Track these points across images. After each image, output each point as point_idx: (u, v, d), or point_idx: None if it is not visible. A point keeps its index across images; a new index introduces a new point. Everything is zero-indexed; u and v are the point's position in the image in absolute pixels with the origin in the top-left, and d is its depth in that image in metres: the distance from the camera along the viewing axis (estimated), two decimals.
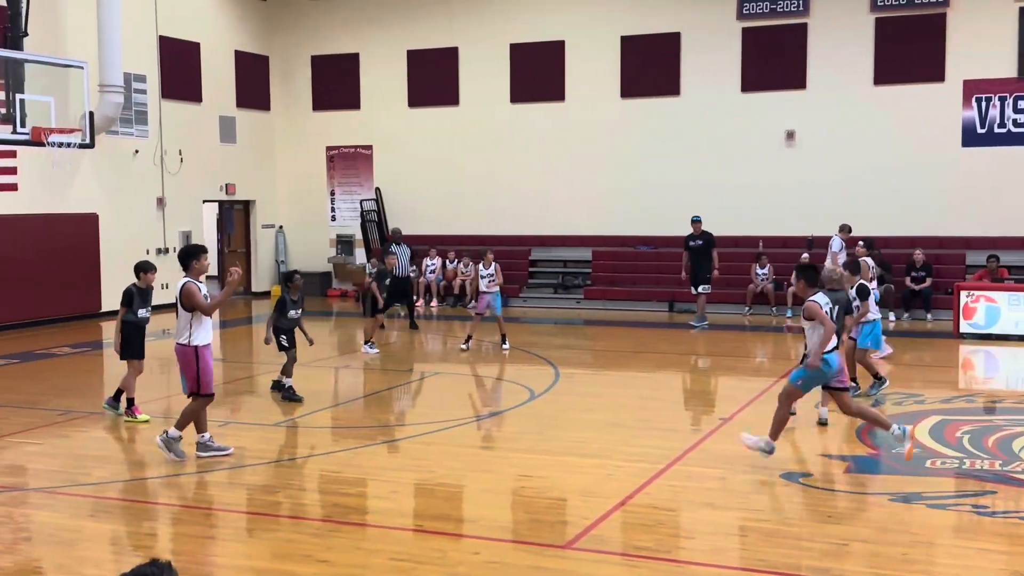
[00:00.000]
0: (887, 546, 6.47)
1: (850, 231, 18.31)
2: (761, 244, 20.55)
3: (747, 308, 19.80)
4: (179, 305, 8.56)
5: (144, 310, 10.55)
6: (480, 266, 15.94)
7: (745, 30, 21.15)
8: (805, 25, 20.74)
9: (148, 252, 21.10)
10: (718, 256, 18.36)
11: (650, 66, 21.83)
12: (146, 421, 10.30)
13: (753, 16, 21.03)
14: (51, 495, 8.00)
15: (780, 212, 20.89)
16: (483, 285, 15.64)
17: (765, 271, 19.77)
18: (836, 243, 18.24)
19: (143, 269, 10.62)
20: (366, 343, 15.29)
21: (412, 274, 18.75)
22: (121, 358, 10.52)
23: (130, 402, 10.48)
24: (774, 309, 19.58)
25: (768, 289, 19.62)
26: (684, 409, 11.95)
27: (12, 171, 17.69)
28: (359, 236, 24.28)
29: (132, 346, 10.45)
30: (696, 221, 18.33)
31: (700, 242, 18.17)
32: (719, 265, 18.37)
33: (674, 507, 7.59)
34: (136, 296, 10.49)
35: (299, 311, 11.80)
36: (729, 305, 20.15)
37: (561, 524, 7.27)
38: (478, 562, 6.39)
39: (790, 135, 20.97)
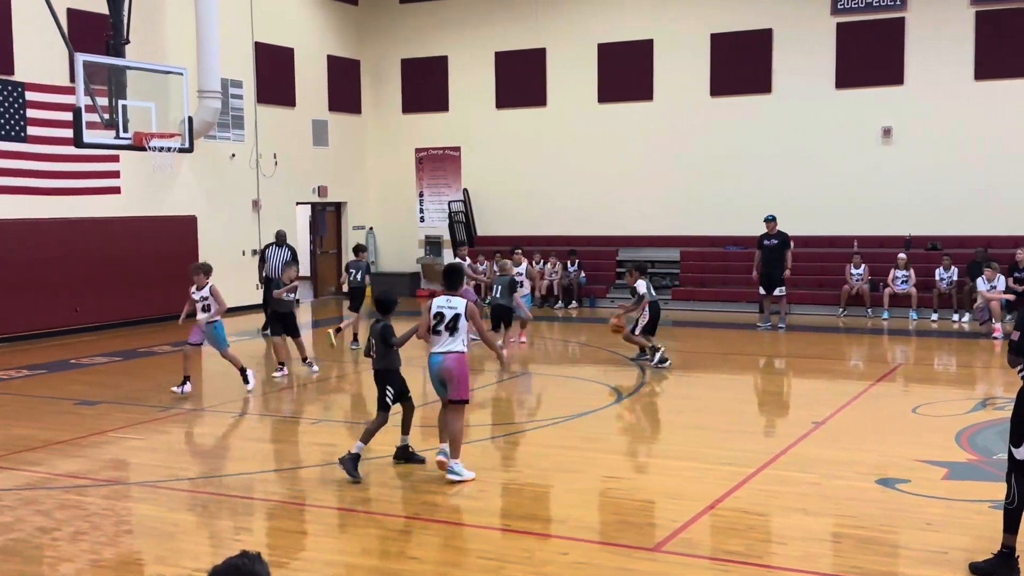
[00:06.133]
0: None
1: None
2: (856, 244, 20.09)
3: (841, 309, 19.37)
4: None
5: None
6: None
7: (840, 25, 20.70)
8: (902, 19, 20.20)
9: (244, 253, 21.68)
10: (792, 256, 17.92)
11: (741, 64, 21.54)
12: None
13: (848, 11, 20.57)
14: (152, 489, 8.25)
15: (876, 211, 20.41)
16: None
17: (860, 271, 19.31)
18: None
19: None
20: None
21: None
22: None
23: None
24: (869, 311, 19.10)
25: (863, 290, 19.15)
26: (775, 412, 11.74)
27: (115, 175, 18.34)
28: (447, 237, 24.48)
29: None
30: (770, 220, 17.94)
31: (775, 241, 17.80)
32: (791, 266, 17.94)
33: (765, 512, 7.47)
34: None
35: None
36: (823, 306, 19.75)
37: (649, 526, 7.21)
38: (566, 562, 6.38)
39: (886, 132, 20.46)
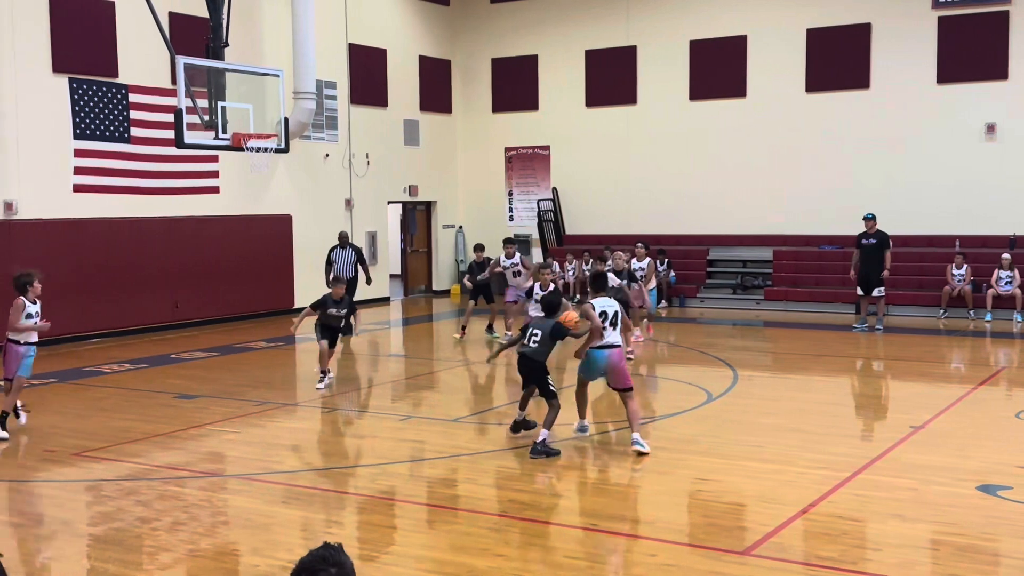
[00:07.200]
0: None
1: None
2: (958, 244, 19.47)
3: (942, 311, 18.79)
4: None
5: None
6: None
7: (941, 19, 20.08)
8: (1007, 13, 19.50)
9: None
10: (891, 256, 17.28)
11: (838, 59, 21.07)
12: None
13: (950, 5, 19.95)
14: (247, 481, 8.45)
15: (979, 210, 19.75)
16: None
17: (962, 272, 18.71)
18: None
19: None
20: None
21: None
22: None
23: None
24: (971, 312, 18.50)
25: (965, 291, 18.55)
26: (872, 415, 11.45)
27: (214, 175, 18.84)
28: (536, 236, 24.51)
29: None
30: (869, 219, 17.40)
31: (873, 240, 17.28)
32: (890, 266, 17.34)
33: (860, 517, 7.29)
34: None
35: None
36: (922, 308, 19.20)
37: (739, 529, 7.11)
38: (654, 564, 6.33)
39: (990, 128, 19.78)
